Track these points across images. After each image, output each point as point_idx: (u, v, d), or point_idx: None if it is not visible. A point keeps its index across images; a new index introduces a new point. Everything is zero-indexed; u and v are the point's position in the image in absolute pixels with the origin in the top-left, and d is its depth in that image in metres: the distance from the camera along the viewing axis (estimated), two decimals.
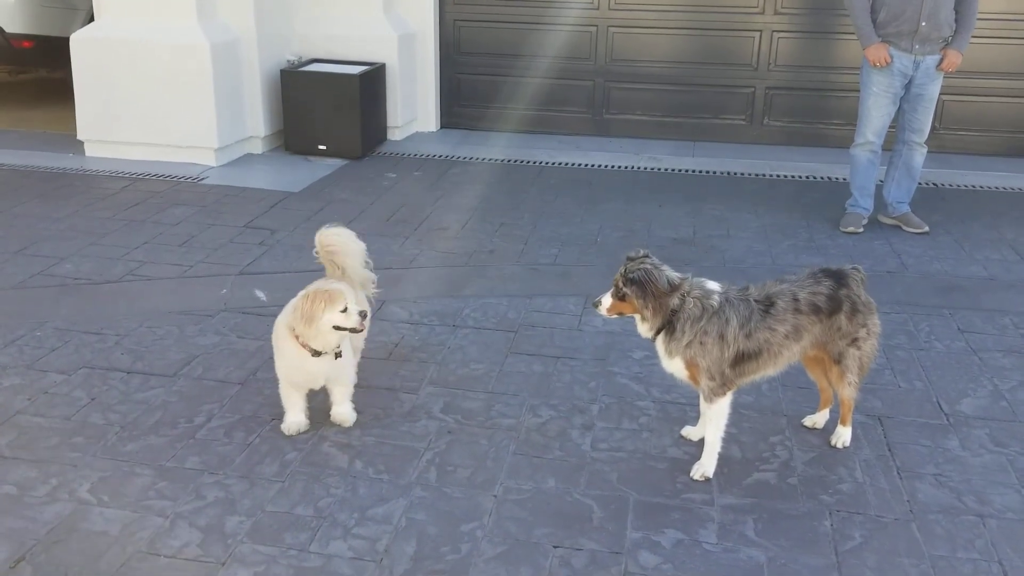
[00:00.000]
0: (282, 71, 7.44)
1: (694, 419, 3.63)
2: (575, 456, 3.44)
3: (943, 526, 3.09)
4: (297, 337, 3.35)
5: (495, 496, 3.18)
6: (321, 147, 7.43)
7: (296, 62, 7.66)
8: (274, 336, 3.50)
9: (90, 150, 7.31)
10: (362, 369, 4.02)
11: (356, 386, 3.90)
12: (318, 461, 3.36)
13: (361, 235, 5.68)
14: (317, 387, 3.55)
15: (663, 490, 3.25)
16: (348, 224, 5.87)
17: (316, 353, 3.37)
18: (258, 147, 7.56)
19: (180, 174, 6.89)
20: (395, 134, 8.07)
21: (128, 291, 4.89)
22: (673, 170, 7.37)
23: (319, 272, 5.12)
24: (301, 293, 3.41)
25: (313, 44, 7.85)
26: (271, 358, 4.06)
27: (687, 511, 3.14)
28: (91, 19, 7.45)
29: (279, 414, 3.64)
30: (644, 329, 3.28)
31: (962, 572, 2.87)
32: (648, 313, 3.19)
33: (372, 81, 7.54)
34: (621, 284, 3.20)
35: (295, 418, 3.53)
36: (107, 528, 2.97)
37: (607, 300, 3.25)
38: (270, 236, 5.69)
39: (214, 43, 6.91)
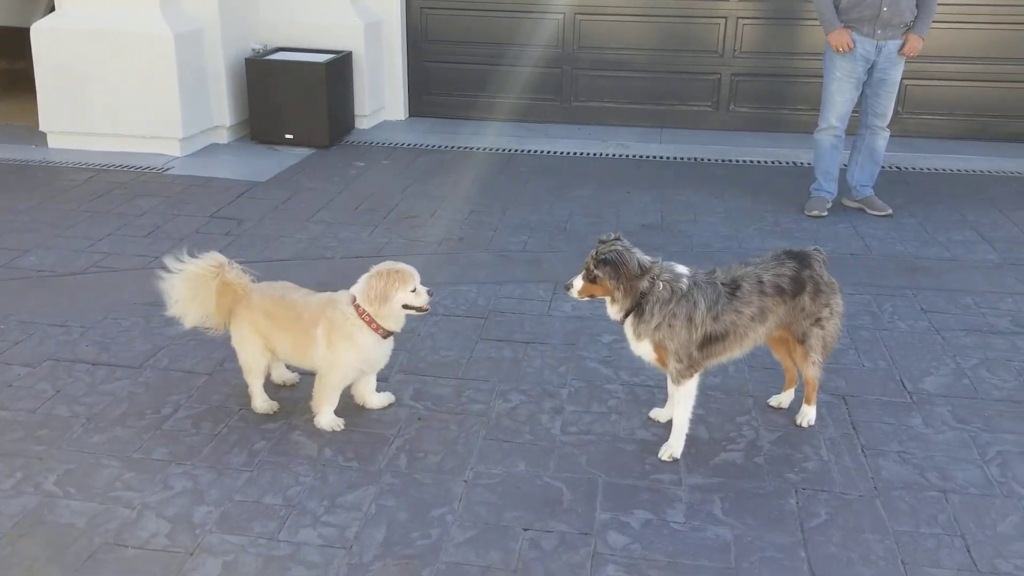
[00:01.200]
0: (247, 60, 7.37)
1: (662, 401, 3.66)
2: (545, 440, 3.46)
3: (907, 502, 3.14)
4: (369, 322, 3.33)
5: (465, 481, 3.20)
6: (288, 136, 7.37)
7: (261, 51, 7.59)
8: (334, 333, 3.34)
9: (53, 141, 7.20)
10: None
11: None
12: (287, 450, 3.35)
13: (328, 224, 5.71)
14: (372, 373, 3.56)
15: (632, 471, 3.28)
16: (315, 214, 5.90)
17: (387, 334, 3.38)
18: (224, 137, 7.49)
19: (145, 165, 6.81)
20: (363, 123, 8.03)
21: (93, 283, 4.83)
22: (641, 156, 7.40)
23: (288, 262, 5.12)
24: (368, 273, 3.37)
25: (279, 32, 7.77)
26: None
27: (655, 492, 3.17)
28: (52, 8, 7.33)
29: (247, 404, 3.63)
30: (614, 311, 3.29)
31: (925, 547, 2.92)
32: (619, 295, 3.22)
33: (339, 69, 7.49)
34: (592, 266, 3.21)
35: (333, 416, 3.48)
36: (73, 520, 2.94)
37: (578, 283, 3.27)
38: (236, 226, 5.65)
39: (178, 32, 6.83)
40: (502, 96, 8.33)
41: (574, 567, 2.79)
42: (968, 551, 2.90)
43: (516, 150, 7.52)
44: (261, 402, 3.58)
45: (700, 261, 5.18)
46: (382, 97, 8.26)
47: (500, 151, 7.50)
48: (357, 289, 3.38)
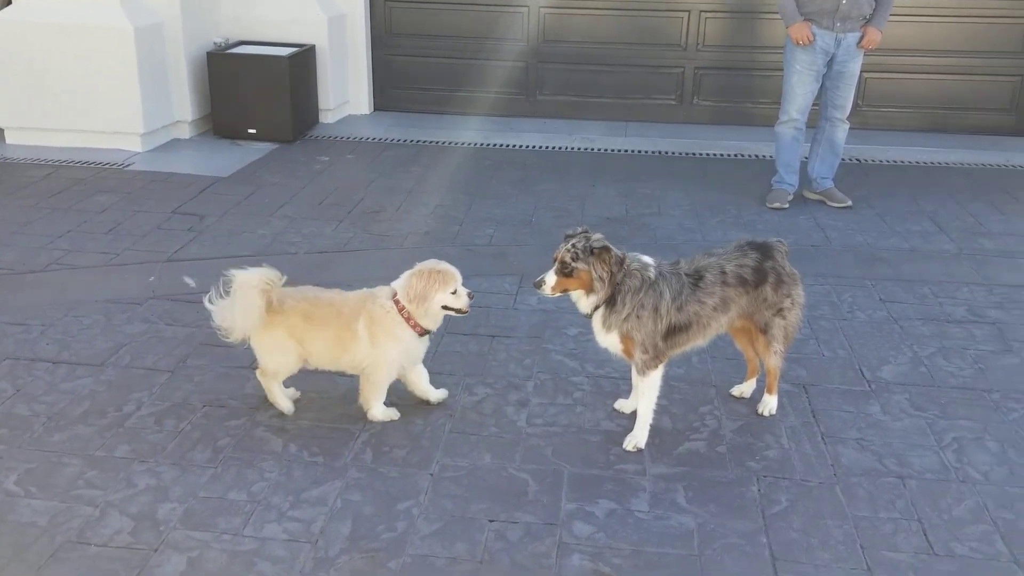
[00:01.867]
0: (209, 54, 7.29)
1: (627, 392, 3.70)
2: (510, 432, 3.48)
3: (865, 488, 3.20)
4: (408, 319, 3.32)
5: (431, 474, 3.21)
6: (251, 131, 7.31)
7: (223, 44, 7.51)
8: (375, 327, 3.33)
9: (10, 137, 7.08)
10: None
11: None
12: (251, 446, 3.34)
13: (292, 219, 5.68)
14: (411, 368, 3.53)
15: (597, 462, 3.31)
16: (279, 209, 5.86)
17: (424, 332, 3.37)
18: (185, 132, 7.41)
19: (105, 160, 6.72)
20: (327, 117, 7.98)
21: (53, 280, 4.76)
22: (606, 150, 7.44)
23: (251, 258, 5.08)
24: (410, 271, 3.34)
25: (241, 26, 7.70)
26: (202, 344, 4.04)
27: (620, 481, 3.20)
28: (9, 1, 7.20)
29: (210, 400, 3.61)
30: (587, 304, 3.28)
31: (883, 532, 2.98)
32: (600, 285, 3.20)
33: (302, 63, 7.44)
34: (570, 259, 3.18)
35: (384, 408, 3.49)
36: (35, 519, 2.91)
37: (551, 278, 3.23)
38: (199, 222, 5.60)
39: (138, 26, 6.74)
40: (467, 90, 8.32)
41: (539, 557, 2.81)
42: (925, 535, 2.96)
43: (481, 144, 7.53)
44: (284, 400, 3.53)
45: (664, 253, 5.22)
46: (346, 91, 8.22)
47: (465, 145, 7.49)
48: (398, 285, 3.37)
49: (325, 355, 3.43)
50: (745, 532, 2.96)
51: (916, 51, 7.74)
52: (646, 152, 7.40)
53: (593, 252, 3.17)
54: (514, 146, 7.51)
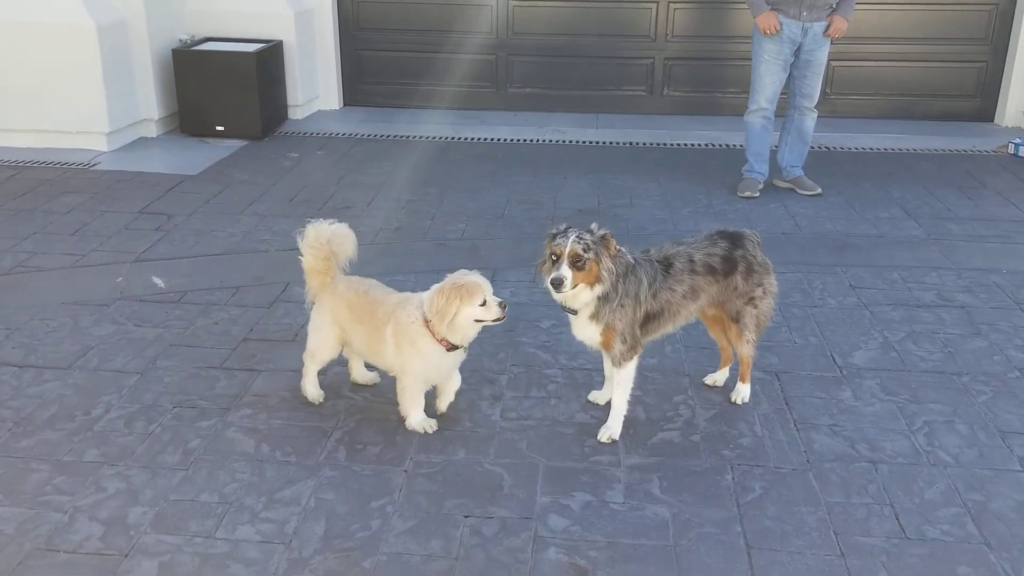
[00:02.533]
0: (174, 51, 7.20)
1: (600, 384, 3.70)
2: (485, 426, 3.47)
3: (838, 474, 3.22)
4: (433, 332, 3.24)
5: (405, 471, 3.19)
6: (219, 128, 7.23)
7: (189, 41, 7.42)
8: (400, 335, 3.27)
9: None
10: (268, 352, 3.98)
11: (260, 370, 3.86)
12: (223, 448, 3.30)
13: (262, 217, 5.63)
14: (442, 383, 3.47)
15: (571, 454, 3.31)
16: (248, 207, 5.80)
17: (452, 347, 3.28)
18: (152, 130, 7.31)
19: (70, 160, 6.62)
20: (296, 113, 7.91)
21: (18, 283, 4.69)
22: (577, 142, 7.43)
23: (220, 256, 5.03)
24: (436, 286, 3.25)
25: (207, 22, 7.61)
26: (172, 345, 4.00)
27: (595, 473, 3.20)
28: None
29: (181, 402, 3.57)
30: (587, 297, 3.19)
31: (856, 516, 3.00)
32: (608, 275, 3.15)
33: (269, 59, 7.37)
34: (582, 250, 3.09)
35: (423, 416, 3.42)
36: (2, 527, 2.86)
37: (569, 274, 3.08)
38: (167, 221, 5.53)
39: (100, 23, 6.64)
40: (437, 84, 8.28)
41: (515, 552, 2.81)
42: (897, 519, 2.99)
43: (452, 138, 7.49)
44: (312, 388, 3.56)
45: (636, 243, 5.25)
46: (315, 87, 8.15)
47: (436, 139, 7.46)
48: (425, 297, 3.28)
49: (363, 349, 3.48)
50: (719, 521, 2.97)
51: (882, 39, 7.79)
52: (617, 143, 7.40)
53: (598, 242, 3.13)
54: (485, 139, 7.48)
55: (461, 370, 3.77)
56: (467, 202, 5.97)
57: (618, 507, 3.03)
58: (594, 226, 3.19)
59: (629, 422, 3.47)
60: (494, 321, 3.27)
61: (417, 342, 3.25)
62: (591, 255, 3.11)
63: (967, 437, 3.43)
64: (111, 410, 3.52)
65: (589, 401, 3.64)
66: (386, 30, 8.22)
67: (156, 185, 6.16)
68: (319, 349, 3.51)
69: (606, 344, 3.31)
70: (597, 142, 7.43)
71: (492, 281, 4.67)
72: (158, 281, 4.68)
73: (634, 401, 3.57)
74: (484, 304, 3.21)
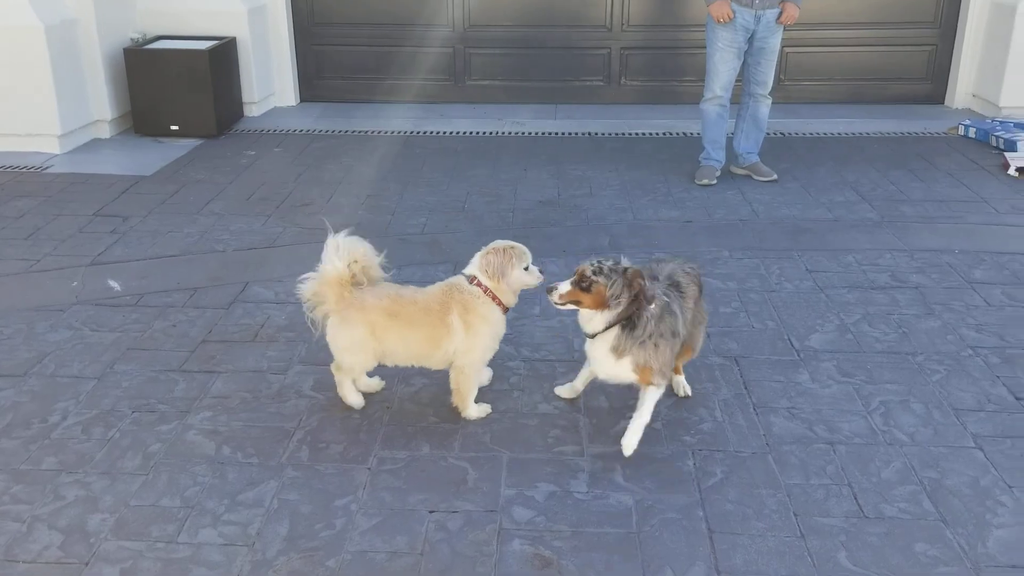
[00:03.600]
0: (126, 50, 7.08)
1: (563, 375, 3.72)
2: (448, 421, 3.47)
3: (797, 456, 3.27)
4: (493, 297, 3.33)
5: (369, 468, 3.18)
6: (173, 127, 7.14)
7: (140, 40, 7.31)
8: (470, 314, 3.31)
9: None
10: (227, 353, 3.95)
11: (220, 371, 3.83)
12: (183, 451, 3.27)
13: (220, 216, 5.57)
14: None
15: (535, 446, 3.32)
16: (205, 206, 5.74)
17: (506, 310, 3.40)
18: (105, 131, 7.20)
19: (22, 164, 6.50)
20: (252, 110, 7.83)
21: None
22: (536, 133, 7.44)
23: (177, 258, 4.97)
24: (481, 252, 3.37)
25: (158, 20, 7.50)
26: (130, 349, 3.96)
27: (559, 464, 3.22)
28: None
29: (139, 406, 3.53)
30: (597, 323, 3.13)
31: (815, 497, 3.05)
32: (615, 304, 3.06)
33: (223, 56, 7.28)
34: (591, 272, 3.06)
35: (480, 404, 3.50)
36: None
37: (564, 287, 3.11)
38: (122, 223, 5.45)
39: (49, 24, 6.51)
40: (395, 78, 8.24)
41: (480, 545, 2.82)
42: (855, 498, 3.04)
43: (411, 132, 7.47)
44: (354, 395, 3.52)
45: (596, 233, 5.30)
46: (271, 83, 8.08)
47: (395, 133, 7.43)
48: (473, 269, 3.37)
49: (412, 353, 3.39)
50: (682, 506, 3.00)
51: (834, 25, 7.88)
52: (576, 134, 7.42)
53: (625, 273, 3.05)
54: (444, 133, 7.47)
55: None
56: (427, 196, 5.96)
57: (582, 496, 3.05)
58: (624, 260, 3.12)
59: (592, 412, 3.50)
60: (531, 286, 3.43)
61: (488, 314, 3.33)
62: (600, 279, 3.04)
63: (922, 416, 3.50)
64: (68, 416, 3.47)
65: (555, 394, 3.66)
66: (342, 24, 8.16)
67: (110, 187, 6.07)
68: (356, 365, 3.44)
69: (644, 381, 3.18)
70: (556, 133, 7.45)
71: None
72: (114, 284, 4.61)
73: (596, 391, 3.61)
74: (527, 269, 3.37)
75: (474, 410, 3.48)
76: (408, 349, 3.38)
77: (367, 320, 3.31)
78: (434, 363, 3.45)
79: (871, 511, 2.98)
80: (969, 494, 3.06)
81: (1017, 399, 3.59)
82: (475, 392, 3.48)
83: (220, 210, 5.70)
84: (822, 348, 4.00)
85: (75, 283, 4.64)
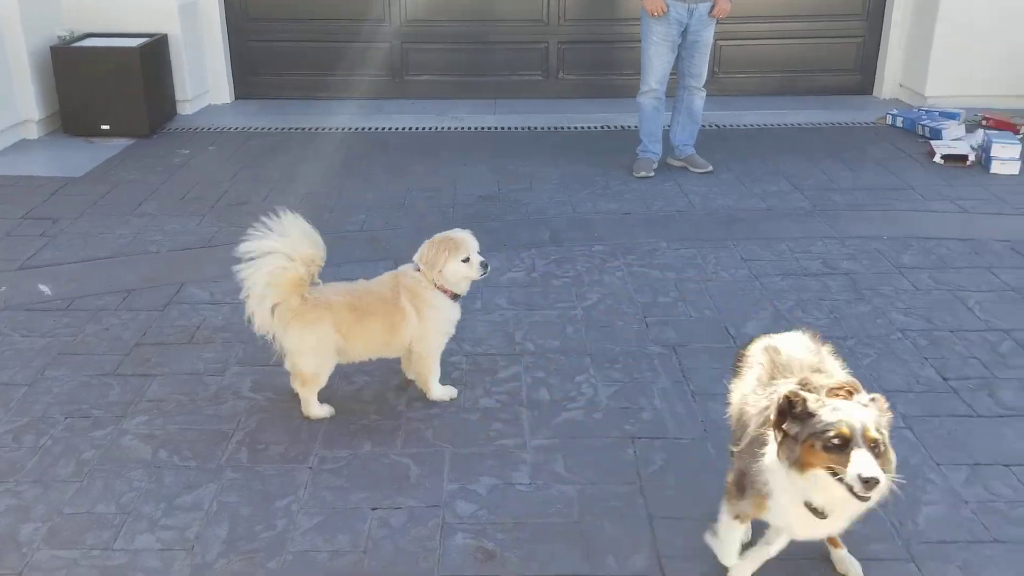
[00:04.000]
0: (53, 48, 6.89)
1: (504, 367, 3.74)
2: (391, 418, 3.47)
3: None
4: (438, 285, 3.39)
5: (310, 468, 3.16)
6: (104, 127, 6.97)
7: (68, 37, 7.11)
8: (416, 299, 3.38)
9: None
10: (162, 356, 3.88)
11: (155, 375, 3.77)
12: (119, 456, 3.21)
13: (153, 216, 5.46)
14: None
15: (477, 440, 3.33)
16: (138, 207, 5.63)
17: (454, 297, 3.45)
18: (33, 131, 6.99)
19: None
20: (185, 108, 7.69)
21: None
22: (475, 129, 7.44)
23: (110, 260, 4.87)
24: (426, 241, 3.43)
25: (86, 17, 7.31)
26: (61, 354, 3.87)
27: (501, 457, 3.23)
28: None
29: (72, 412, 3.46)
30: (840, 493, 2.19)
31: None
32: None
33: (154, 53, 7.13)
34: (876, 431, 2.16)
35: (445, 387, 3.58)
36: None
37: (869, 463, 2.11)
38: (52, 226, 5.31)
39: None
40: (333, 74, 8.17)
41: (423, 540, 2.82)
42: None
43: (350, 128, 7.41)
44: (319, 409, 3.45)
45: (536, 228, 5.32)
46: (204, 80, 7.94)
47: (333, 130, 7.36)
48: (417, 256, 3.44)
49: (375, 343, 3.43)
50: (623, 494, 3.04)
51: (766, 18, 8.02)
52: (515, 128, 7.44)
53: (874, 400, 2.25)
54: (383, 129, 7.42)
55: (364, 362, 3.75)
56: (366, 193, 5.92)
57: (524, 488, 3.07)
58: (868, 395, 2.30)
59: (533, 404, 3.52)
60: (475, 278, 3.46)
61: (431, 298, 3.40)
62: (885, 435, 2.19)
63: None
64: None
65: (492, 388, 3.66)
66: (277, 20, 8.05)
67: (39, 188, 5.91)
68: (322, 371, 3.40)
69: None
70: (496, 128, 7.45)
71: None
72: (44, 288, 4.50)
73: (537, 383, 3.64)
74: (467, 261, 3.39)
75: (439, 391, 3.55)
76: (370, 340, 3.41)
77: (334, 319, 3.31)
78: (393, 350, 3.51)
79: None
80: (899, 473, 3.14)
81: (944, 379, 3.70)
82: (438, 374, 3.54)
83: (153, 211, 5.60)
84: (757, 334, 4.06)
85: (3, 288, 4.51)
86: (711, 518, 2.91)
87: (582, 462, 3.20)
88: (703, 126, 6.49)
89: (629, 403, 3.57)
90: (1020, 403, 3.53)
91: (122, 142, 6.91)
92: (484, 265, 3.42)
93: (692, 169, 6.31)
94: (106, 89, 6.87)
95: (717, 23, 6.06)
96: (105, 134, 6.97)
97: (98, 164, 6.44)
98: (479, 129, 7.42)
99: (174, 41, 7.38)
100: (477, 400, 3.59)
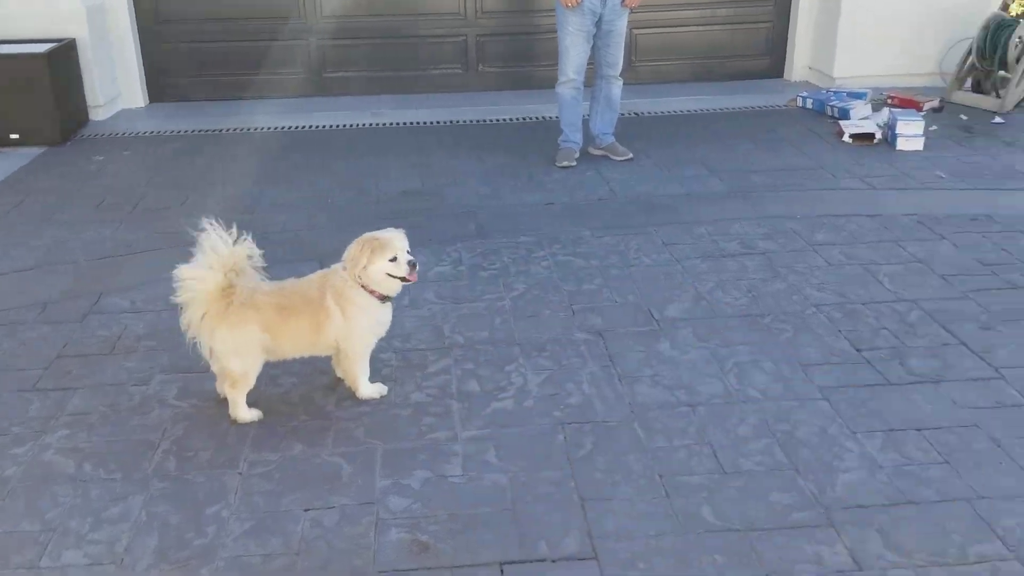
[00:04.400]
0: None
1: (434, 361, 3.77)
2: (320, 418, 3.46)
3: (661, 421, 3.41)
4: (364, 285, 3.37)
5: (240, 473, 3.14)
6: (13, 136, 6.75)
7: None
8: (341, 298, 3.37)
9: None
10: (84, 368, 3.80)
11: (77, 387, 3.69)
12: (41, 472, 3.14)
13: (69, 225, 5.33)
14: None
15: (408, 435, 3.35)
16: (52, 216, 5.48)
17: (383, 298, 3.42)
18: None
19: None
20: (98, 114, 7.49)
21: None
22: (397, 124, 7.42)
23: (25, 272, 4.74)
24: (354, 241, 3.41)
25: None
26: None
27: (433, 450, 3.26)
28: None
29: None
30: None
31: (679, 458, 3.20)
32: None
33: (62, 59, 6.92)
34: None
35: (375, 384, 3.58)
36: None
37: None
38: None
39: None
40: (249, 74, 8.05)
41: (357, 538, 2.83)
42: (715, 456, 3.20)
43: (269, 128, 7.32)
44: (247, 412, 3.41)
45: (461, 221, 5.34)
46: (116, 85, 7.74)
47: (252, 130, 7.26)
48: (344, 255, 3.43)
49: (302, 342, 3.43)
50: (554, 480, 3.10)
51: (677, 5, 8.16)
52: (437, 123, 7.44)
53: None
54: (304, 128, 7.35)
55: (290, 363, 3.73)
56: (288, 193, 5.87)
57: (457, 480, 3.10)
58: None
59: (463, 396, 3.55)
60: (403, 279, 3.42)
61: (355, 298, 3.39)
62: None
63: (772, 373, 3.71)
64: None
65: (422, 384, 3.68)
66: (189, 21, 7.89)
67: None
68: (250, 370, 3.38)
69: None
70: (417, 123, 7.45)
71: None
72: None
73: (467, 375, 3.67)
74: (395, 260, 3.37)
75: (368, 390, 3.56)
76: (297, 340, 3.41)
77: (260, 319, 3.31)
78: (320, 349, 3.51)
79: (730, 466, 3.15)
80: (818, 443, 3.27)
81: (857, 350, 3.85)
82: (367, 372, 3.55)
83: (69, 219, 5.45)
84: (680, 317, 4.18)
85: None
86: (640, 498, 3.00)
87: (513, 450, 3.25)
88: (622, 114, 6.59)
89: (558, 390, 3.63)
90: (928, 369, 3.70)
91: (33, 151, 6.71)
92: (412, 264, 3.40)
93: (613, 157, 6.40)
94: (13, 97, 6.66)
95: (631, 12, 6.15)
96: (14, 143, 6.76)
97: (9, 174, 6.24)
98: (401, 124, 7.41)
99: (83, 46, 7.19)
100: (408, 395, 3.60)
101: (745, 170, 6.13)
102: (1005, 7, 7.53)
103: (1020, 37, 7.07)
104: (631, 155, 6.38)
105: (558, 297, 4.38)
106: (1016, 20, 7.26)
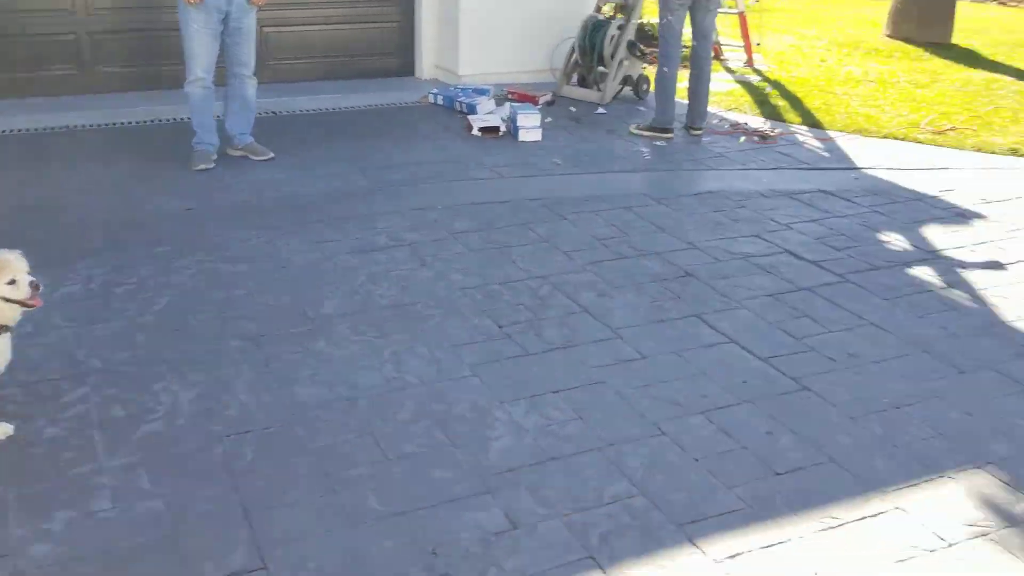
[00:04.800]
0: None
1: (68, 390, 3.46)
2: None
3: (323, 419, 3.43)
4: None
5: None
6: None
7: None
8: None
9: None
10: None
11: None
12: None
13: None
14: None
15: (46, 475, 3.05)
16: None
17: (1, 329, 3.09)
18: None
19: None
20: None
21: None
22: (5, 131, 6.64)
23: None
24: None
25: None
26: None
27: (76, 487, 2.99)
28: None
29: None
30: None
31: (343, 452, 3.23)
32: None
33: None
34: None
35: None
36: None
37: None
38: None
39: None
40: None
41: None
42: (378, 445, 3.28)
43: None
44: None
45: (91, 235, 4.92)
46: None
47: None
48: None
49: None
50: (215, 496, 2.99)
51: (307, 4, 8.14)
52: (52, 129, 6.77)
53: None
54: None
55: None
56: None
57: (107, 514, 2.89)
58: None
59: (108, 423, 3.31)
60: (21, 303, 3.10)
61: None
62: None
63: (426, 357, 3.88)
64: None
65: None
66: None
67: None
68: None
69: None
70: (27, 129, 6.71)
71: None
72: None
73: (109, 401, 3.42)
74: (13, 283, 3.05)
75: None
76: None
77: None
78: None
79: (393, 453, 3.25)
80: (472, 417, 3.49)
81: (500, 327, 4.15)
82: None
83: None
84: (335, 313, 4.22)
85: None
86: (307, 499, 3.00)
87: (168, 473, 3.09)
88: (258, 114, 6.46)
89: (213, 403, 3.50)
90: (560, 337, 4.09)
91: None
92: (36, 286, 3.10)
93: (253, 157, 6.26)
94: None
95: (259, 10, 6.04)
96: None
97: None
98: (9, 132, 6.63)
99: None
100: (41, 431, 3.27)
101: (386, 165, 6.31)
102: (598, 9, 8.45)
103: (612, 36, 7.99)
104: (272, 155, 6.28)
105: (207, 307, 4.21)
106: (608, 20, 8.18)
